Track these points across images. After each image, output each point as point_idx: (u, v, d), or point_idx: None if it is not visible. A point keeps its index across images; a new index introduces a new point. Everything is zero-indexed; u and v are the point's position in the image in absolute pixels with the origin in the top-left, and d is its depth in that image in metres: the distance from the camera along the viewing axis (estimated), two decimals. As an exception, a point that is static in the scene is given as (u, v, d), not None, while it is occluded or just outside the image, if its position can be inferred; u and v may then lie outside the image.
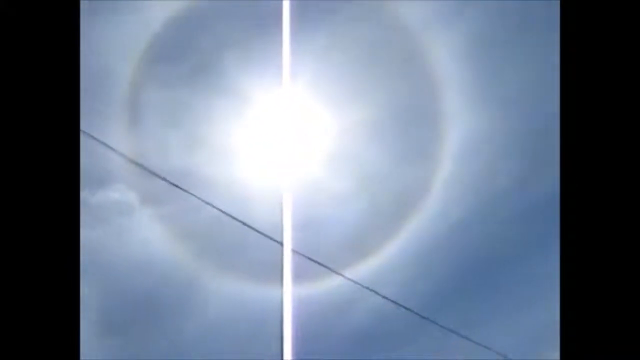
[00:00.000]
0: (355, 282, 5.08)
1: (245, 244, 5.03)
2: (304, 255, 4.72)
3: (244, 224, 4.59)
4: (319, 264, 4.81)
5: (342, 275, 5.01)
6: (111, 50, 5.35)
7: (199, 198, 4.99)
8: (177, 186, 4.94)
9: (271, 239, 4.36)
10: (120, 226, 5.01)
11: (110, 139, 5.16)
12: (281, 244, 4.41)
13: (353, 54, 5.46)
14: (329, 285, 5.02)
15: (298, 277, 4.60)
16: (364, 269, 5.11)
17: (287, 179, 4.88)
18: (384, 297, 5.04)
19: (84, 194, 4.91)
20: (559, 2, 3.48)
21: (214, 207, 4.93)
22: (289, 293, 4.26)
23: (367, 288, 5.12)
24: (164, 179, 4.93)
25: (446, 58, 5.39)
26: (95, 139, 4.93)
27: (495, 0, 5.34)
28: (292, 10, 5.13)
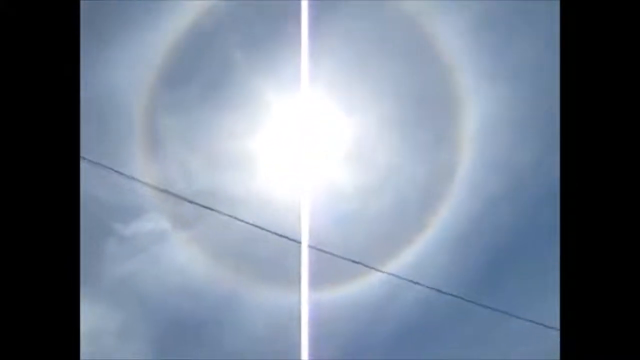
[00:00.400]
0: (394, 275, 5.14)
1: (280, 253, 5.10)
2: (333, 254, 4.78)
3: (262, 229, 4.66)
4: (354, 261, 4.87)
5: (380, 271, 5.06)
6: (121, 80, 5.41)
7: (227, 215, 5.07)
8: (205, 207, 5.02)
9: (290, 239, 4.43)
10: (157, 253, 5.11)
11: (134, 170, 5.25)
12: (299, 242, 4.48)
13: (364, 49, 5.48)
14: (362, 282, 5.08)
15: (329, 277, 4.65)
16: (398, 262, 5.17)
17: (306, 178, 4.93)
18: (429, 287, 5.08)
19: (117, 228, 5.02)
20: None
21: (241, 220, 5.01)
22: (306, 293, 4.33)
23: (407, 280, 5.17)
24: (191, 202, 5.01)
25: (455, 43, 5.40)
26: (120, 173, 5.01)
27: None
28: (306, 11, 5.17)
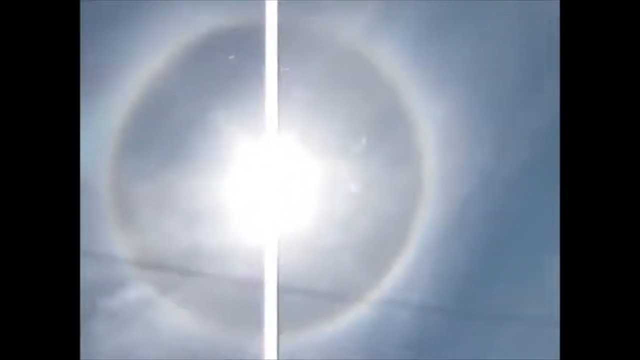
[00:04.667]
0: (378, 302, 5.13)
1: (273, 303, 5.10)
2: (312, 293, 4.76)
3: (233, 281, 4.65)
4: (328, 296, 4.86)
5: (364, 301, 5.07)
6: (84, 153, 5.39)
7: (210, 275, 5.07)
8: (186, 272, 5.02)
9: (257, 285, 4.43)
10: (146, 321, 5.09)
11: (111, 243, 5.23)
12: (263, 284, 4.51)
13: (320, 86, 5.51)
14: (348, 316, 5.08)
15: (310, 317, 4.63)
16: (383, 288, 5.17)
17: (273, 221, 4.98)
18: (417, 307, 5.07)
19: (101, 303, 4.99)
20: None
21: (225, 279, 5.01)
22: (274, 337, 4.35)
23: (394, 304, 5.15)
24: (172, 269, 5.01)
25: (398, 60, 5.42)
26: (96, 253, 5.00)
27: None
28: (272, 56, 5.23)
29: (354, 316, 5.24)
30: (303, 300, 5.11)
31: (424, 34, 5.36)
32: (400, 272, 5.25)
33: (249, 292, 5.14)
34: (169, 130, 5.58)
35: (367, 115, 5.38)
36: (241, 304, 5.20)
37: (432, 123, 5.31)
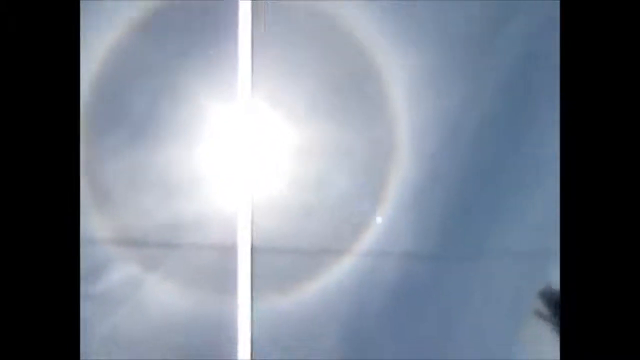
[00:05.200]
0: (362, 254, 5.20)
1: (254, 265, 5.15)
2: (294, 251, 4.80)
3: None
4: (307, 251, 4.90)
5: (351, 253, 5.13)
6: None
7: (191, 246, 5.08)
8: (168, 246, 5.02)
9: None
10: (135, 300, 5.11)
11: (89, 226, 5.22)
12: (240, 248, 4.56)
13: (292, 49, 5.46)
14: (332, 272, 5.15)
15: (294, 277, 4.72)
16: (365, 241, 5.24)
17: (247, 185, 5.02)
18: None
19: (85, 289, 5.00)
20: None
21: (208, 248, 5.03)
22: (247, 298, 4.44)
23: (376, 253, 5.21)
24: (153, 245, 5.00)
25: (369, 24, 5.37)
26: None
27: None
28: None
29: (334, 272, 5.31)
30: (282, 260, 5.17)
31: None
32: (379, 227, 5.31)
33: (231, 259, 5.18)
34: (138, 102, 5.50)
35: (340, 78, 5.36)
36: (225, 272, 5.23)
37: (401, 78, 5.31)
